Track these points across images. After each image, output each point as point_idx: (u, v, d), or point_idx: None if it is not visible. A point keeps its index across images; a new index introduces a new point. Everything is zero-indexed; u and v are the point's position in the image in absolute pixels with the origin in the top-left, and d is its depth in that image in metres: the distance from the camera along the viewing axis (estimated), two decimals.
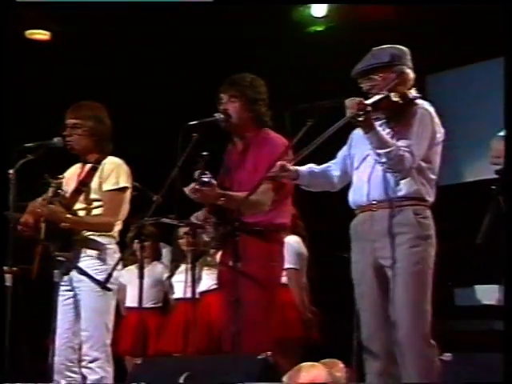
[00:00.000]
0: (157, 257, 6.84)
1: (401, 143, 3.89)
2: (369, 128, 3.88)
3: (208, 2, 5.98)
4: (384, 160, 3.89)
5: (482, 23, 5.99)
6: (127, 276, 6.56)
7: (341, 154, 4.27)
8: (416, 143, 3.91)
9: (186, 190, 4.25)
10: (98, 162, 4.68)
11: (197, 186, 4.17)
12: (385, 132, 3.99)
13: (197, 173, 4.15)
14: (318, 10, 7.01)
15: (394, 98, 3.96)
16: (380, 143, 3.88)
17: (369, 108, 3.85)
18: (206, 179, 4.17)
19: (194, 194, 4.23)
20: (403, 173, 3.91)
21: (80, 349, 4.60)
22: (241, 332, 4.12)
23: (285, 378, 4.68)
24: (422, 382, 3.79)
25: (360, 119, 3.84)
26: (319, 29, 7.12)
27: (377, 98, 3.93)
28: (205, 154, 4.10)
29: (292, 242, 5.82)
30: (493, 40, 5.93)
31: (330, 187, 4.31)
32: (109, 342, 4.64)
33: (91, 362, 4.55)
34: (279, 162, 4.10)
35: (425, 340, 3.88)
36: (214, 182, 4.21)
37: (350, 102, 3.84)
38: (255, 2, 6.34)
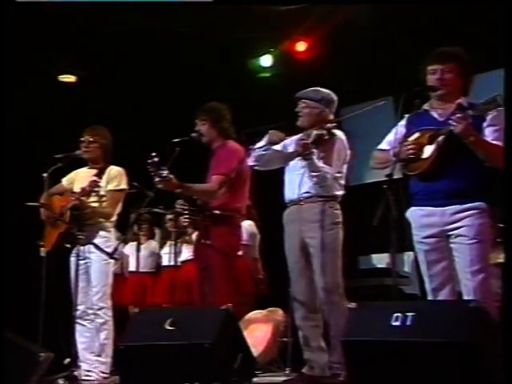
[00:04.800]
0: (151, 236, 6.76)
1: (325, 167, 3.95)
2: (308, 159, 3.93)
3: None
4: (315, 179, 3.95)
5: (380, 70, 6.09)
6: (130, 249, 6.54)
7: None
8: (334, 166, 3.98)
9: (155, 181, 4.16)
10: (103, 168, 4.67)
11: (158, 179, 4.07)
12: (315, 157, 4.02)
13: (153, 168, 4.03)
14: (266, 61, 6.96)
15: (325, 136, 3.98)
16: (314, 168, 3.94)
17: (311, 147, 3.90)
18: (163, 174, 4.08)
19: (157, 185, 4.12)
20: (324, 186, 3.97)
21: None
22: (210, 290, 4.15)
23: (241, 322, 4.69)
24: (337, 322, 3.81)
25: (306, 155, 3.91)
26: (267, 75, 7.08)
27: (314, 136, 3.94)
28: (154, 154, 4.01)
29: (247, 225, 5.80)
30: (382, 83, 6.10)
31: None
32: (110, 295, 4.61)
33: (99, 309, 4.53)
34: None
35: (340, 294, 3.90)
36: (170, 176, 4.09)
37: (301, 143, 3.91)
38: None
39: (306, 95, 4.08)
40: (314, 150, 3.93)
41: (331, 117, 4.10)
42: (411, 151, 3.35)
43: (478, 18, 5.35)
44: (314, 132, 3.95)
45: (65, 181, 4.82)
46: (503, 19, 3.27)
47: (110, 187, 4.62)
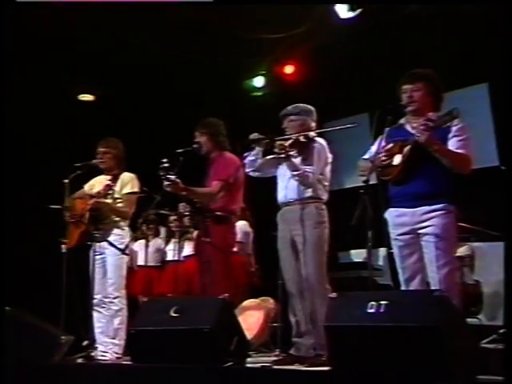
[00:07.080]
0: (157, 234, 6.76)
1: (306, 167, 3.93)
2: (287, 159, 3.93)
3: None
4: (296, 178, 3.93)
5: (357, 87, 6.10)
6: (139, 246, 6.53)
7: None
8: (315, 167, 3.95)
9: (164, 184, 4.15)
10: (117, 175, 4.65)
11: (166, 182, 4.08)
12: (296, 159, 4.01)
13: (163, 173, 4.04)
14: (258, 82, 6.98)
15: (302, 139, 3.99)
16: (293, 168, 3.92)
17: (288, 148, 3.89)
18: (171, 178, 4.07)
19: (166, 187, 4.13)
20: (307, 185, 3.94)
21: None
22: (209, 282, 4.14)
23: (236, 310, 4.68)
24: (320, 310, 3.78)
25: (282, 156, 3.90)
26: (259, 94, 7.09)
27: (291, 141, 3.95)
28: (164, 161, 4.02)
29: (241, 224, 5.82)
30: (358, 99, 6.13)
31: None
32: (124, 285, 4.60)
33: (114, 298, 4.52)
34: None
35: (323, 284, 3.88)
36: (177, 180, 4.10)
37: (277, 145, 3.89)
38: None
39: (287, 112, 4.11)
40: (291, 152, 3.92)
41: (313, 124, 4.09)
42: (383, 159, 3.39)
43: (453, 37, 5.34)
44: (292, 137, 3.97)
45: (86, 187, 4.80)
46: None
47: (125, 191, 4.61)
